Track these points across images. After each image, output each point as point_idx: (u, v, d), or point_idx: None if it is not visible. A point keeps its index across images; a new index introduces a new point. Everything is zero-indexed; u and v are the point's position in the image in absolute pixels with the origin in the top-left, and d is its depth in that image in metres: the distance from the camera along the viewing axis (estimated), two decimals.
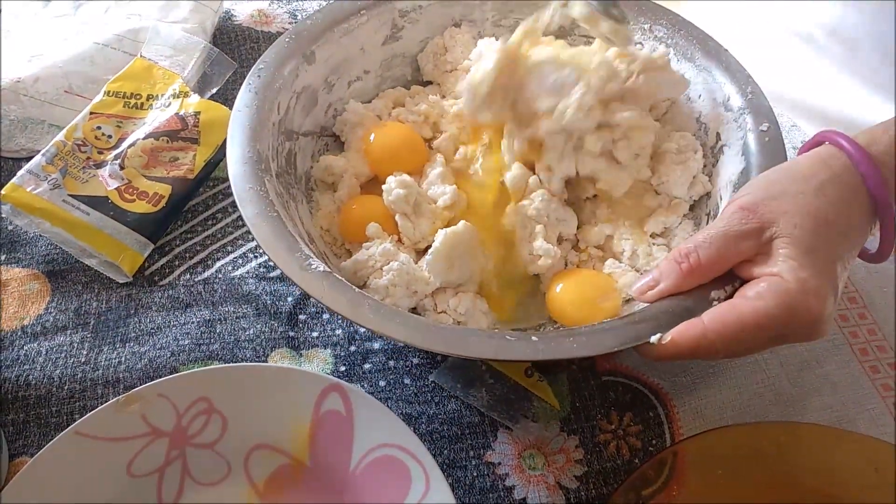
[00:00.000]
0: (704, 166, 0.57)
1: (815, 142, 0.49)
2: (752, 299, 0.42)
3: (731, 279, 0.45)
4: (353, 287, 0.45)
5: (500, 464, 0.50)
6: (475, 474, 0.49)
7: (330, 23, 0.60)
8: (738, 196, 0.46)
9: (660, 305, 0.45)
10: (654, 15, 0.62)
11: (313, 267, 0.45)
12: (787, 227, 0.43)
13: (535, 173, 0.56)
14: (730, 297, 0.44)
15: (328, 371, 0.53)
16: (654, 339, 0.43)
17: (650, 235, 0.56)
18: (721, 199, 0.54)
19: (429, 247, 0.52)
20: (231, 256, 0.60)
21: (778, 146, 0.52)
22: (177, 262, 0.60)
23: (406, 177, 0.55)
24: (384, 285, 0.50)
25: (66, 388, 0.52)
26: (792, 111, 0.74)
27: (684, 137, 0.57)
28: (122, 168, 0.61)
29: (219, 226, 0.62)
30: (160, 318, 0.56)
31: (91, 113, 0.64)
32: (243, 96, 0.54)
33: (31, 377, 0.53)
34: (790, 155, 0.52)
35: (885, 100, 0.69)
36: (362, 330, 0.56)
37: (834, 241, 0.44)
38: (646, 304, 0.46)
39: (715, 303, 0.44)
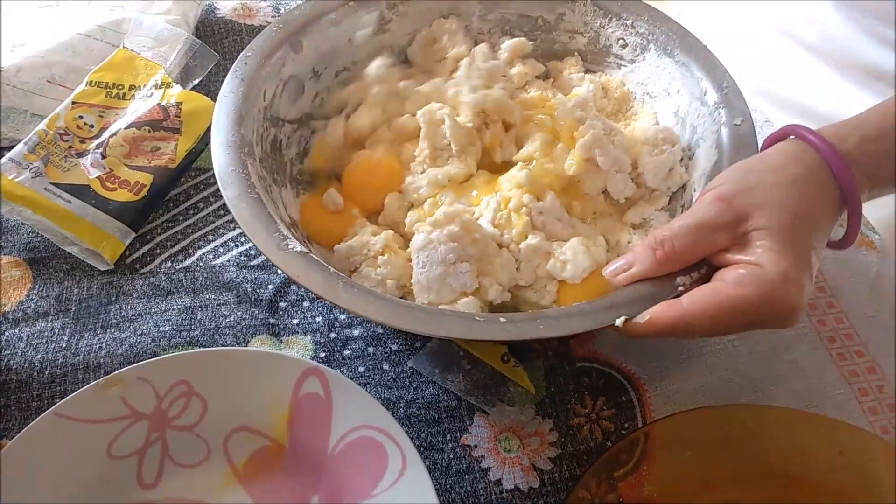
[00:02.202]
0: (682, 159, 0.58)
1: (782, 134, 0.50)
2: (734, 285, 0.43)
3: (697, 266, 0.46)
4: (329, 267, 0.46)
5: (476, 446, 0.51)
6: (452, 457, 0.50)
7: (318, 13, 0.61)
8: (713, 186, 0.47)
9: (628, 291, 0.46)
10: (637, 11, 0.63)
11: (290, 247, 0.46)
12: (763, 218, 0.44)
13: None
14: (695, 283, 0.45)
15: (308, 357, 0.54)
16: (618, 321, 0.44)
17: (630, 226, 0.57)
18: (695, 191, 0.56)
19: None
20: (212, 245, 0.61)
21: (750, 141, 0.54)
22: (158, 251, 0.60)
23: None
24: (377, 278, 0.52)
25: (46, 372, 0.53)
26: (777, 107, 0.76)
27: (663, 130, 0.59)
28: (103, 157, 0.62)
29: (200, 215, 0.63)
30: (141, 305, 0.57)
31: (73, 102, 0.65)
32: (230, 82, 0.55)
33: (11, 362, 0.53)
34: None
35: (860, 93, 0.71)
36: (342, 317, 0.57)
37: (808, 232, 0.45)
38: (614, 289, 0.47)
39: (680, 288, 0.45)
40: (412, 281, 0.51)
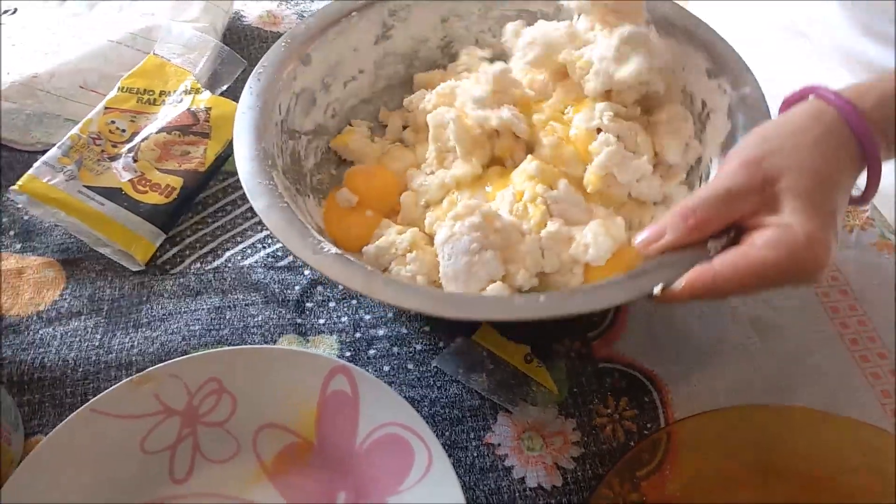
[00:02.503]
0: (694, 133, 0.60)
1: (801, 95, 0.50)
2: (764, 248, 0.44)
3: (726, 230, 0.47)
4: (365, 265, 0.47)
5: (499, 445, 0.51)
6: (475, 455, 0.51)
7: (323, 25, 0.62)
8: (738, 151, 0.48)
9: (661, 259, 0.47)
10: None
11: (325, 250, 0.47)
12: (790, 180, 0.45)
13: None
14: (726, 246, 0.46)
15: (334, 356, 0.55)
16: (656, 289, 0.45)
17: (652, 204, 0.58)
18: (712, 162, 0.57)
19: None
20: (240, 246, 0.62)
21: (761, 106, 0.55)
22: (188, 252, 0.62)
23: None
24: (408, 275, 0.53)
25: (80, 370, 0.54)
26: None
27: (673, 108, 0.60)
28: (135, 161, 0.63)
29: (228, 217, 0.64)
30: (171, 305, 0.58)
31: (105, 108, 0.66)
32: (246, 99, 0.56)
33: (46, 360, 0.54)
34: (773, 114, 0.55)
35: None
36: (367, 317, 0.58)
37: (832, 192, 0.46)
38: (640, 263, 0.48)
39: (712, 252, 0.46)
40: (440, 274, 0.52)
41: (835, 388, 0.55)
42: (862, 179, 0.49)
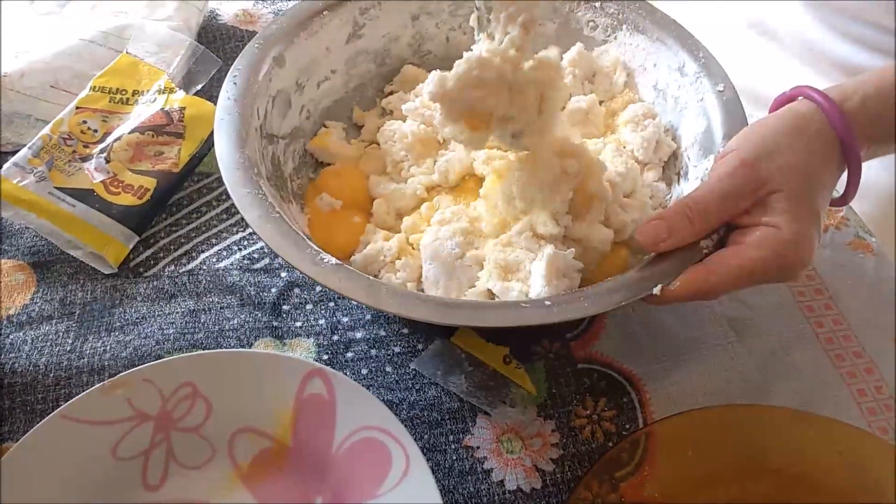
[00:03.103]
0: (667, 130, 0.61)
1: (791, 96, 0.52)
2: (752, 247, 0.46)
3: (718, 228, 0.49)
4: (367, 275, 0.47)
5: (478, 447, 0.51)
6: (454, 458, 0.51)
7: (295, 26, 0.61)
8: (735, 148, 0.49)
9: (658, 260, 0.48)
10: None
11: (325, 261, 0.46)
12: (782, 181, 0.47)
13: None
14: (717, 244, 0.48)
15: (311, 359, 0.55)
16: (655, 290, 0.46)
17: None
18: (689, 158, 0.58)
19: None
20: (215, 248, 0.61)
21: (736, 104, 0.56)
22: (161, 254, 0.61)
23: None
24: (399, 282, 0.53)
25: (51, 375, 0.53)
26: (752, 104, 0.77)
27: (642, 107, 0.61)
28: (107, 161, 0.62)
29: (203, 219, 0.63)
30: (145, 309, 0.57)
31: (77, 107, 0.65)
32: (223, 104, 0.55)
33: (16, 365, 0.53)
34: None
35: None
36: (345, 319, 0.57)
37: (817, 192, 0.48)
38: (647, 258, 0.49)
39: (705, 252, 0.47)
40: (422, 278, 0.51)
41: (811, 386, 0.55)
42: (842, 182, 0.50)
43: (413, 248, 0.55)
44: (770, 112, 0.53)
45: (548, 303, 0.46)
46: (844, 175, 0.50)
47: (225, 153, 0.52)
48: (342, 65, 0.65)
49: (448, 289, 0.50)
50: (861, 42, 0.72)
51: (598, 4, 0.65)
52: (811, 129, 0.48)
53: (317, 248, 0.48)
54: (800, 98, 0.51)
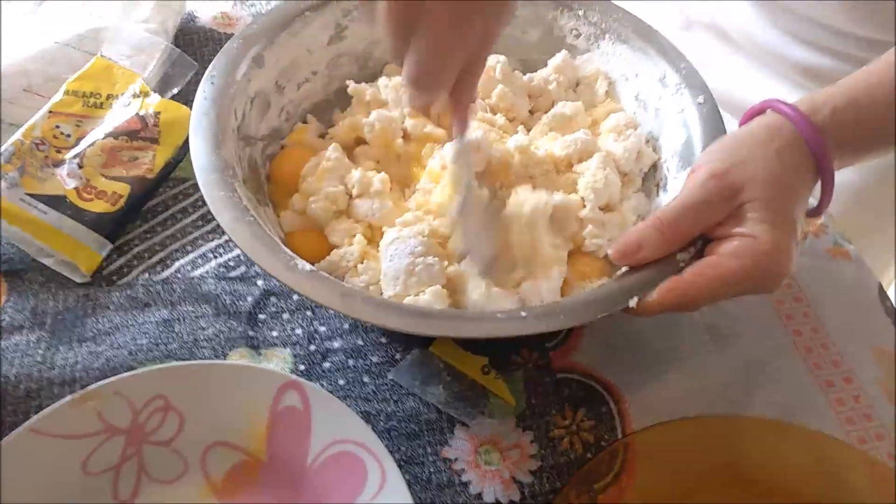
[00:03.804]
0: (647, 140, 0.60)
1: (760, 108, 0.52)
2: (730, 257, 0.46)
3: (693, 241, 0.48)
4: (342, 282, 0.46)
5: (456, 459, 0.51)
6: (432, 470, 0.50)
7: (276, 26, 0.60)
8: (705, 162, 0.49)
9: (636, 272, 0.48)
10: (587, 2, 0.65)
11: (299, 267, 0.46)
12: (754, 191, 0.47)
13: None
14: (695, 257, 0.48)
15: (288, 370, 0.54)
16: (632, 302, 0.46)
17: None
18: (668, 170, 0.58)
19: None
20: (190, 256, 0.60)
21: (716, 117, 0.56)
22: (135, 262, 0.60)
23: None
24: (362, 285, 0.52)
25: (21, 387, 0.52)
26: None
27: (624, 117, 0.61)
28: (80, 167, 0.61)
29: (178, 226, 0.62)
30: (118, 318, 0.56)
31: (50, 112, 0.64)
32: (200, 104, 0.54)
33: None
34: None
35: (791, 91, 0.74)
36: (322, 329, 0.56)
37: (793, 202, 0.48)
38: (623, 270, 0.49)
39: (682, 264, 0.47)
40: (381, 275, 0.51)
41: (789, 395, 0.55)
42: (816, 191, 0.50)
43: (376, 251, 0.54)
44: (740, 125, 0.53)
45: (523, 314, 0.45)
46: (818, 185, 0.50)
47: (200, 155, 0.51)
48: (323, 67, 0.64)
49: (407, 286, 0.50)
50: (815, 45, 0.72)
51: (581, 13, 0.65)
52: (781, 139, 0.48)
53: (291, 254, 0.47)
54: (768, 111, 0.51)
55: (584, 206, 0.55)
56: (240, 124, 0.56)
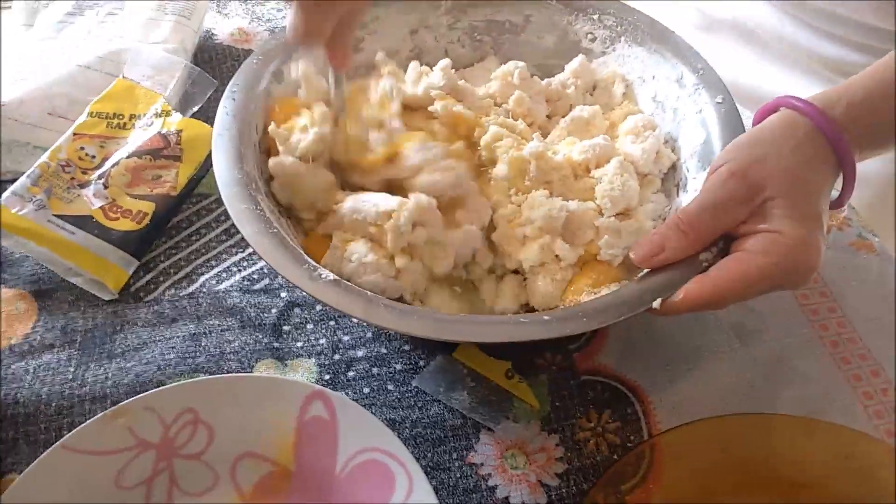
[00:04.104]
0: (666, 141, 0.60)
1: (773, 107, 0.51)
2: (757, 254, 0.46)
3: (716, 240, 0.48)
4: (366, 291, 0.47)
5: (482, 464, 0.51)
6: (458, 475, 0.50)
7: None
8: (724, 161, 0.49)
9: (658, 273, 0.48)
10: (602, 5, 0.66)
11: (323, 276, 0.46)
12: (776, 188, 0.46)
13: None
14: (717, 256, 0.47)
15: (313, 380, 0.54)
16: (655, 303, 0.46)
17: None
18: (687, 170, 0.58)
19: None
20: (215, 270, 0.61)
21: (735, 116, 0.56)
22: (161, 278, 0.61)
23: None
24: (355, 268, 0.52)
25: (53, 405, 0.53)
26: (740, 102, 0.77)
27: (641, 118, 0.61)
28: (105, 187, 0.62)
29: (202, 241, 0.63)
30: (146, 334, 0.57)
31: (74, 134, 0.65)
32: (222, 120, 0.55)
33: (19, 395, 0.53)
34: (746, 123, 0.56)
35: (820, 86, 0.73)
36: (346, 338, 0.57)
37: (815, 197, 0.47)
38: (643, 273, 0.49)
39: (705, 264, 0.47)
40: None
41: (817, 391, 0.55)
42: (838, 184, 0.50)
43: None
44: (753, 124, 0.52)
45: (546, 318, 0.46)
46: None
47: (223, 169, 0.52)
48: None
49: None
50: (842, 40, 0.71)
51: (596, 17, 0.65)
52: (799, 135, 0.48)
53: (314, 263, 0.48)
54: (782, 108, 0.50)
55: (601, 215, 0.55)
56: (261, 138, 0.57)
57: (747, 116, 0.57)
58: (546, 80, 0.66)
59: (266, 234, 0.48)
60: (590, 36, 0.66)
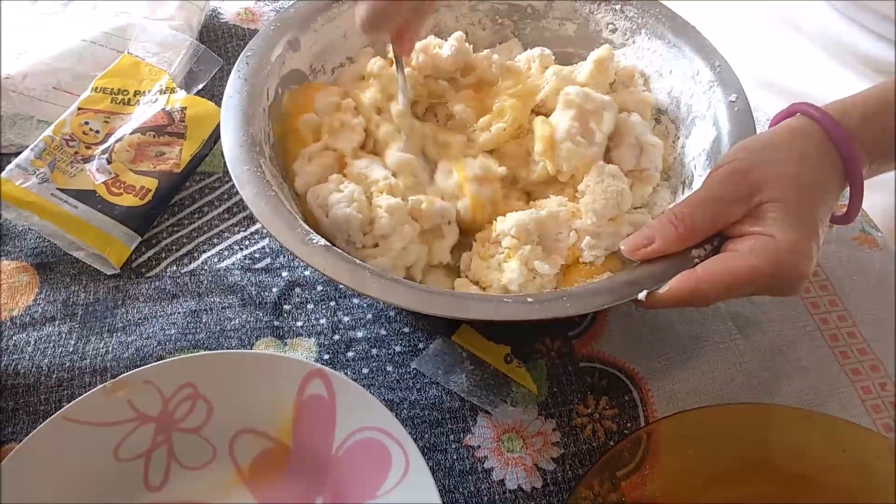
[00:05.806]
0: (677, 138, 0.60)
1: (788, 112, 0.51)
2: (745, 255, 0.45)
3: (710, 238, 0.48)
4: (355, 259, 0.47)
5: (479, 447, 0.51)
6: (455, 457, 0.50)
7: (313, 11, 0.62)
8: (727, 161, 0.49)
9: (648, 266, 0.48)
10: None
11: (314, 241, 0.47)
12: (775, 191, 0.46)
13: None
14: (709, 254, 0.47)
15: (312, 359, 0.55)
16: (641, 295, 0.45)
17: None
18: (695, 167, 0.57)
19: None
20: (217, 248, 0.61)
21: (747, 116, 0.56)
22: (163, 255, 0.61)
23: None
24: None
25: (54, 376, 0.53)
26: (780, 97, 0.76)
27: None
28: (109, 162, 0.62)
29: (205, 219, 0.63)
30: (147, 309, 0.57)
31: (79, 108, 0.65)
32: (234, 82, 0.56)
33: (19, 366, 0.53)
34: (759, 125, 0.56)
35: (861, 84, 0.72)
36: (346, 319, 0.57)
37: (815, 204, 0.47)
38: (635, 264, 0.49)
39: (696, 261, 0.47)
40: None
41: (815, 383, 0.55)
42: (845, 198, 0.50)
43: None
44: (770, 127, 0.52)
45: (529, 300, 0.45)
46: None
47: (230, 129, 0.53)
48: (358, 52, 0.65)
49: None
50: (887, 40, 0.71)
51: (618, 7, 0.65)
52: (808, 142, 0.47)
53: (308, 228, 0.48)
54: (797, 115, 0.50)
55: (583, 217, 0.54)
56: (271, 104, 0.57)
57: (779, 110, 0.56)
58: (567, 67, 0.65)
59: (263, 196, 0.49)
60: (611, 26, 0.65)
